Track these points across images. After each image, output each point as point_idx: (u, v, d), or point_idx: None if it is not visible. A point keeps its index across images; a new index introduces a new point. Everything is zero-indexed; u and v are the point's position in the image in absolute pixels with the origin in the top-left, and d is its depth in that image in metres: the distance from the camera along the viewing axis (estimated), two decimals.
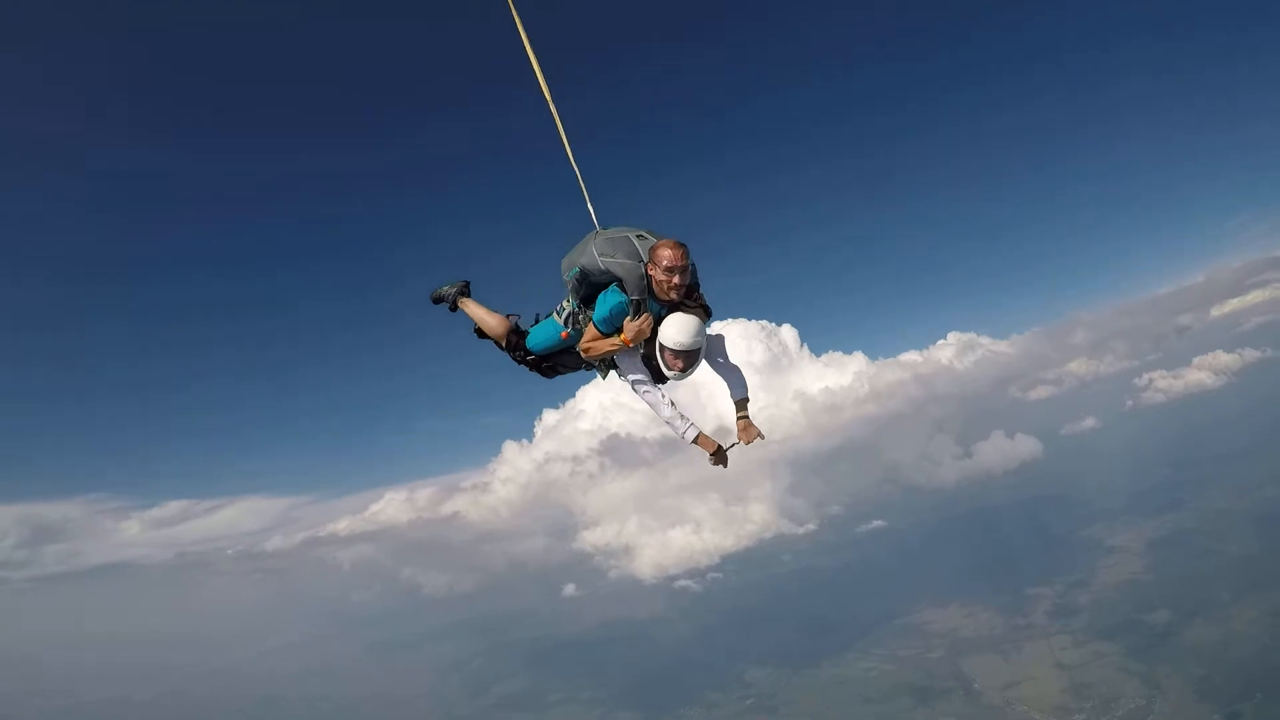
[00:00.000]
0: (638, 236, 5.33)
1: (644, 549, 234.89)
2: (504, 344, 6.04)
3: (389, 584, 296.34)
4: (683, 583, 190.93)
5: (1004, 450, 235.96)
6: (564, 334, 5.66)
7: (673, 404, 5.54)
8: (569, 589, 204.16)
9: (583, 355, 5.57)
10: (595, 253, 5.32)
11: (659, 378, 5.54)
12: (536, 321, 5.98)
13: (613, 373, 5.75)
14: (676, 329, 5.23)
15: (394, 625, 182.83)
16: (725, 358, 5.69)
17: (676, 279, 5.17)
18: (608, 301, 5.38)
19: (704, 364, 5.49)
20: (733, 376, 5.81)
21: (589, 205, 5.64)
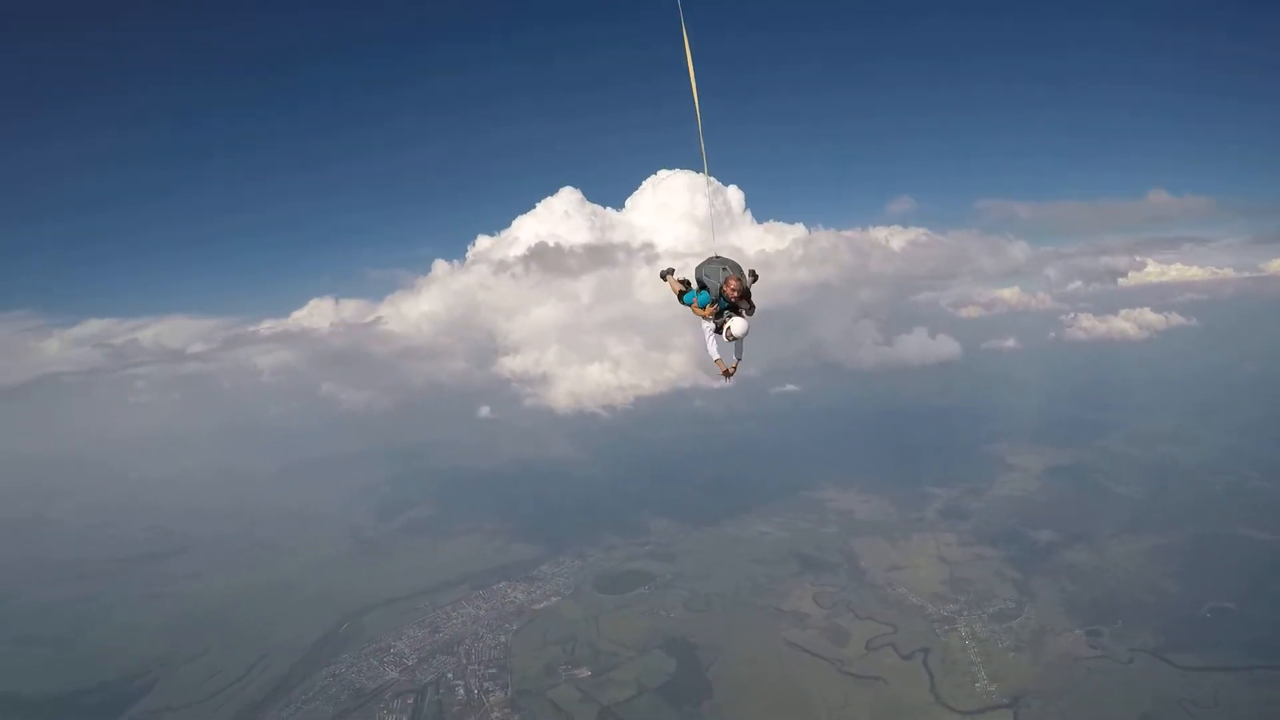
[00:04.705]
0: (722, 268, 10.52)
1: (561, 380, 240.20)
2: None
3: (307, 399, 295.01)
4: (593, 410, 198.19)
5: (925, 347, 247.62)
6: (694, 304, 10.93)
7: (717, 344, 10.84)
8: (484, 410, 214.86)
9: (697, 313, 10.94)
10: (700, 272, 10.79)
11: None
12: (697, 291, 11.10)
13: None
14: (736, 326, 10.31)
15: (310, 444, 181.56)
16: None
17: (735, 295, 10.25)
18: (701, 296, 10.80)
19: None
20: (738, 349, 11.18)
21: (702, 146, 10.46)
